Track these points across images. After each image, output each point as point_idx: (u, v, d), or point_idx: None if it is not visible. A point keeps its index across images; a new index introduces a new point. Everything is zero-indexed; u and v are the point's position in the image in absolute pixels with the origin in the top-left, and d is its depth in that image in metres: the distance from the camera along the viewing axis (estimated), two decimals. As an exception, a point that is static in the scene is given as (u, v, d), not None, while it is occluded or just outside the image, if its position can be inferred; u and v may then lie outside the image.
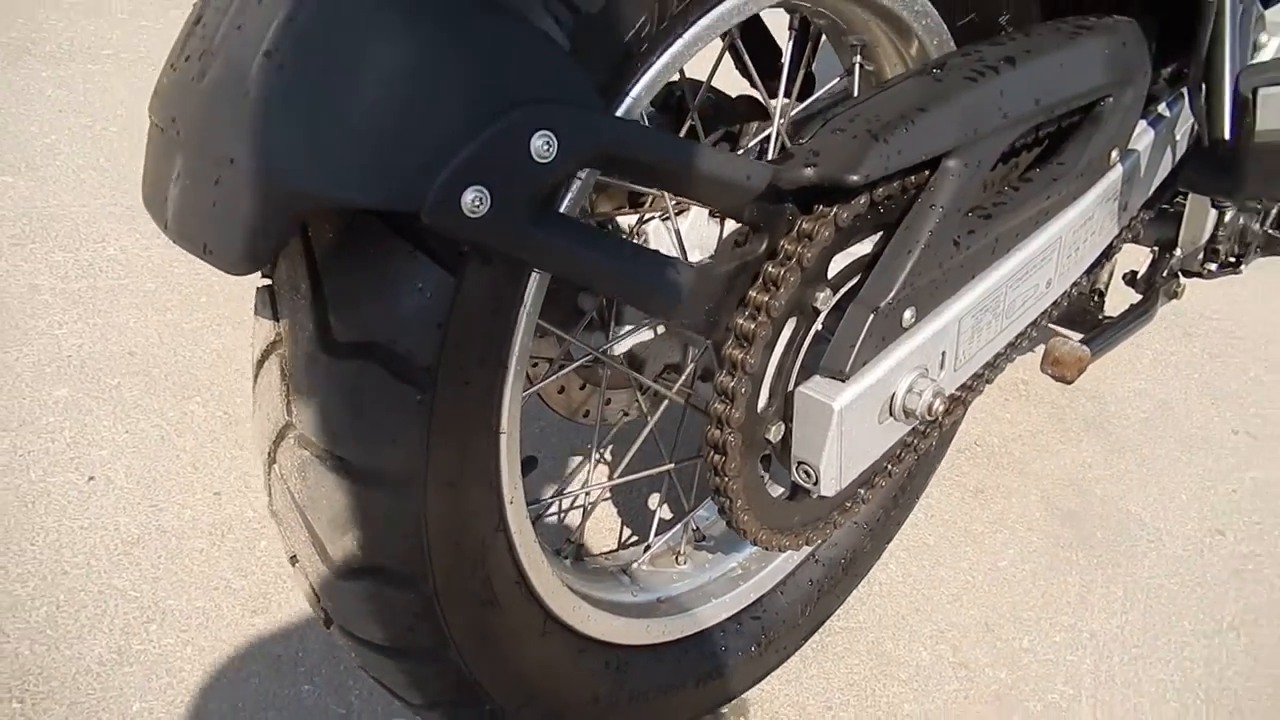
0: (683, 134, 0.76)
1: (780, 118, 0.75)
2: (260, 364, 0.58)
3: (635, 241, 0.72)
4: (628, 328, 0.76)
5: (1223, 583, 1.22)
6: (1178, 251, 1.13)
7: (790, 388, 0.67)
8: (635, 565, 0.86)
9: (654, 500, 1.10)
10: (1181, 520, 1.30)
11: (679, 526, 0.90)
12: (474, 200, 0.45)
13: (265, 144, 0.44)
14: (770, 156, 0.75)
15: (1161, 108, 0.94)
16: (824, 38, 0.83)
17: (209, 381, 1.19)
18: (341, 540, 0.55)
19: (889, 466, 0.80)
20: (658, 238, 0.73)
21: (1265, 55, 0.95)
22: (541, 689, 0.71)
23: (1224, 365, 1.64)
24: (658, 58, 0.57)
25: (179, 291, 1.32)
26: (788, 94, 0.76)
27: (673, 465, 0.85)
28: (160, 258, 1.38)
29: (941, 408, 0.70)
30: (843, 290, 0.68)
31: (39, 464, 1.05)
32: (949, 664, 1.04)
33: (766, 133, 0.78)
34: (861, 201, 0.64)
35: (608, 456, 1.14)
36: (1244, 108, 0.77)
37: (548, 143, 0.46)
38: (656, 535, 0.89)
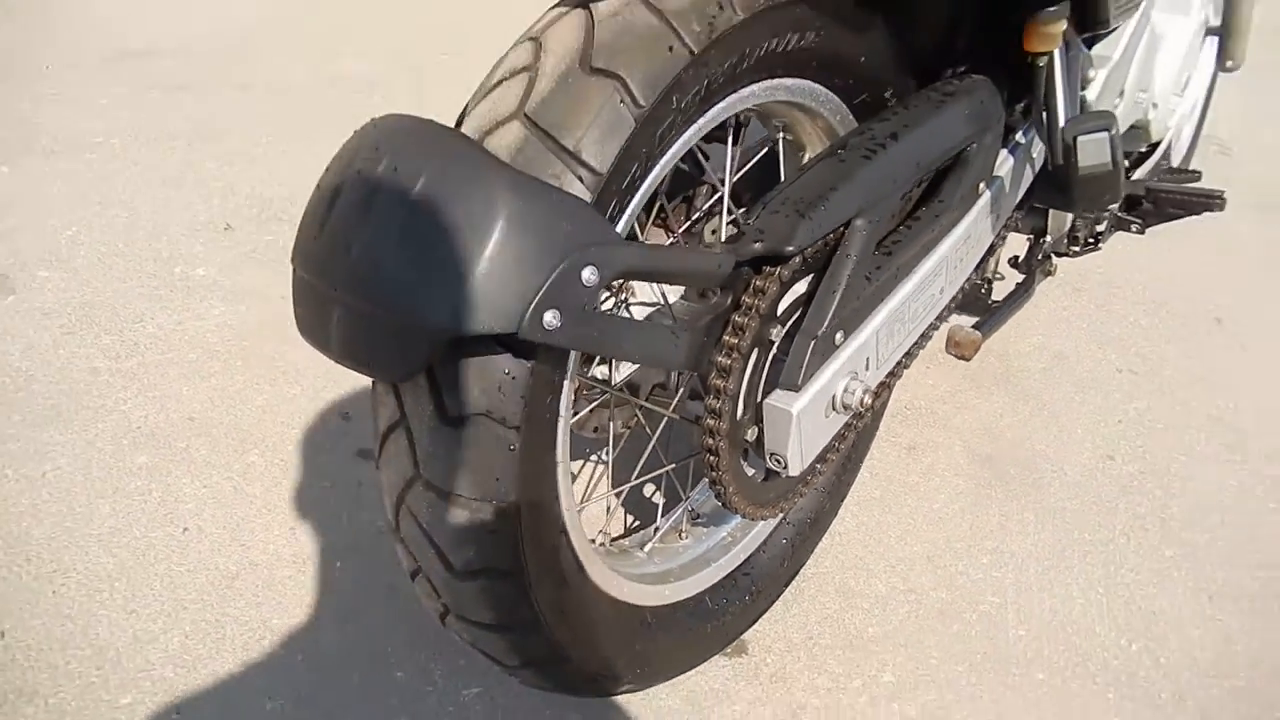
0: (654, 212, 0.98)
1: (729, 196, 0.97)
2: (386, 435, 0.78)
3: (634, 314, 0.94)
4: (629, 367, 0.98)
5: (1114, 499, 1.47)
6: (1048, 238, 1.38)
7: (759, 400, 0.90)
8: (649, 545, 1.08)
9: (656, 494, 1.32)
10: (1078, 451, 1.56)
11: (679, 510, 1.13)
12: (551, 318, 0.66)
13: (411, 298, 0.65)
14: (722, 231, 0.98)
15: (1019, 136, 1.18)
16: (753, 120, 1.05)
17: (261, 435, 1.38)
18: (462, 552, 0.77)
19: (837, 445, 1.02)
20: (642, 288, 0.96)
21: (1094, 88, 1.20)
22: (599, 643, 0.93)
23: (1108, 314, 1.91)
24: (646, 180, 0.79)
25: (218, 359, 1.51)
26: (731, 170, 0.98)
27: (672, 465, 1.08)
28: (194, 330, 1.56)
29: (870, 400, 0.94)
30: (789, 324, 0.91)
31: (139, 522, 1.24)
32: (900, 591, 1.28)
33: (716, 199, 1.00)
34: (797, 260, 0.87)
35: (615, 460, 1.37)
36: (1069, 149, 1.01)
37: (593, 272, 0.68)
38: (662, 519, 1.12)
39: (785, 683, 1.15)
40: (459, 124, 0.77)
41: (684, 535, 1.12)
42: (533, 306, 0.66)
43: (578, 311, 0.68)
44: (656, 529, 1.11)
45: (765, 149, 1.06)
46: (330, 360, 0.72)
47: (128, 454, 1.33)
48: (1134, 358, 1.80)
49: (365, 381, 1.47)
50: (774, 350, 0.90)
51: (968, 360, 1.22)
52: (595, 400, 0.99)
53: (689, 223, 1.06)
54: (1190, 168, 1.57)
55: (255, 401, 1.44)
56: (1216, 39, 1.63)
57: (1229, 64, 1.66)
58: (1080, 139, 1.00)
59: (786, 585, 1.20)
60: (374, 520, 1.28)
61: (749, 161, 1.06)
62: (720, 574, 1.11)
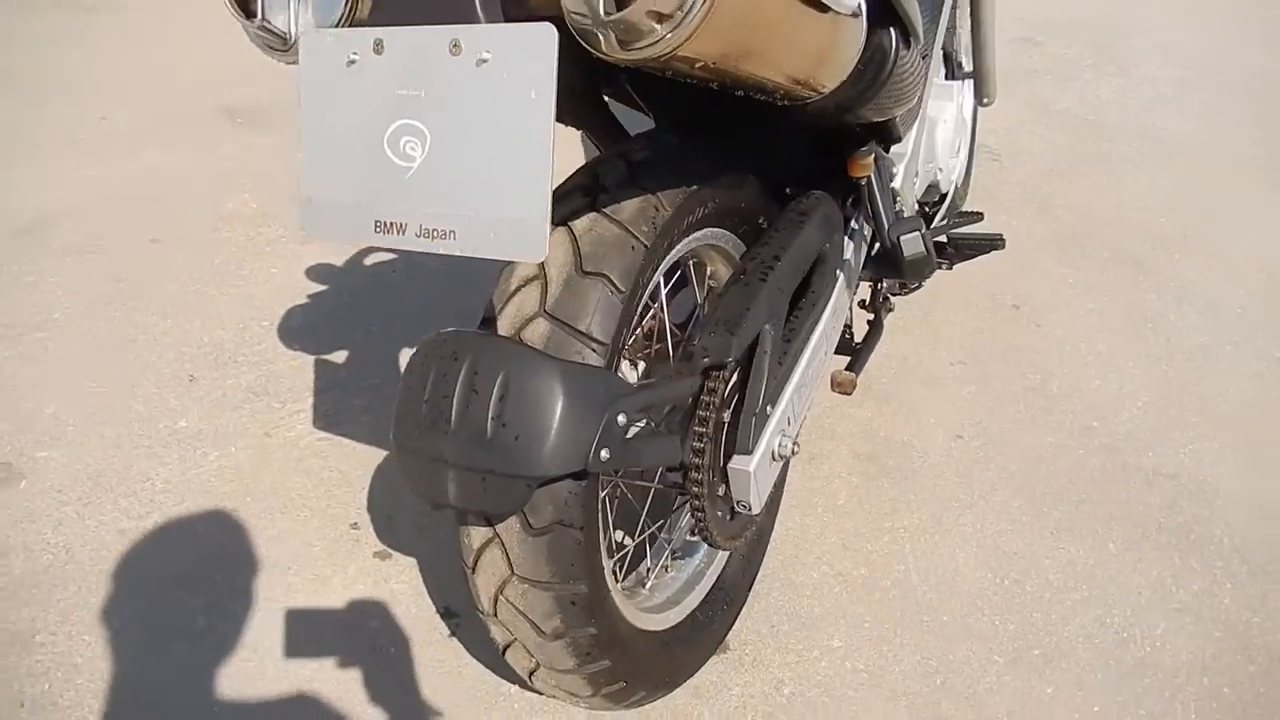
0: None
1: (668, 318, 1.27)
2: (481, 550, 1.03)
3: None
4: None
5: (969, 469, 1.84)
6: (884, 284, 1.73)
7: (724, 465, 1.19)
8: (649, 582, 1.36)
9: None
10: (934, 436, 1.93)
11: (666, 552, 1.41)
12: (604, 454, 0.94)
13: (512, 460, 0.91)
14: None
15: (854, 226, 1.52)
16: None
17: (288, 558, 1.58)
18: (550, 621, 1.03)
19: (780, 483, 1.33)
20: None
21: (898, 178, 1.55)
22: (643, 667, 1.21)
23: (933, 318, 2.30)
24: (630, 334, 1.07)
25: (227, 499, 1.69)
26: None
27: (661, 522, 1.36)
28: (197, 478, 1.73)
29: (796, 446, 1.25)
30: (731, 408, 1.21)
31: (211, 660, 1.43)
32: (830, 576, 1.61)
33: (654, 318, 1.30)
34: (732, 363, 1.16)
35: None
36: (895, 245, 1.36)
37: (624, 416, 0.96)
38: (652, 560, 1.40)
39: (763, 665, 1.45)
40: (490, 319, 1.03)
41: (669, 569, 1.41)
42: (593, 450, 0.93)
43: (619, 445, 0.96)
44: (648, 569, 1.39)
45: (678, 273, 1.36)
46: (416, 497, 0.97)
47: (177, 597, 1.51)
48: (960, 350, 2.20)
49: (364, 496, 1.69)
50: (725, 428, 1.20)
51: (849, 395, 1.56)
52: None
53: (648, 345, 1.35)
54: (972, 209, 1.97)
55: (270, 531, 1.63)
56: (972, 81, 2.04)
57: (985, 101, 2.08)
58: (902, 238, 1.34)
59: (749, 590, 1.50)
60: (409, 612, 1.51)
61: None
62: (703, 593, 1.40)
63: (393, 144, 0.84)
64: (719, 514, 1.21)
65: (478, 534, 1.04)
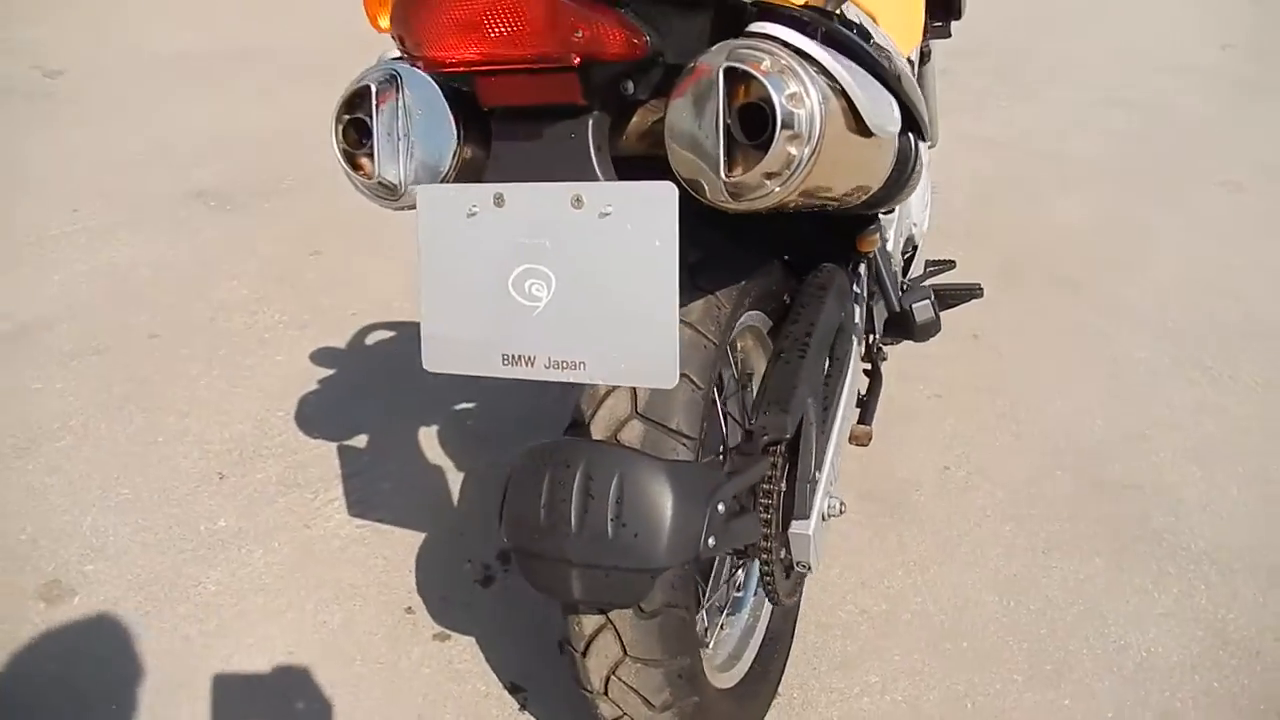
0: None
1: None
2: (594, 635, 1.11)
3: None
4: None
5: (960, 498, 1.98)
6: (875, 338, 1.86)
7: (786, 530, 1.29)
8: (711, 641, 1.46)
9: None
10: (925, 471, 2.06)
11: (722, 614, 1.51)
12: (711, 542, 1.03)
13: (632, 557, 0.99)
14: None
15: (862, 290, 1.64)
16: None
17: (356, 649, 1.63)
18: (660, 695, 1.12)
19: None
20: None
21: (889, 242, 1.68)
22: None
23: (904, 352, 2.44)
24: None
25: (281, 595, 1.73)
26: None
27: (709, 585, 1.46)
28: (247, 577, 1.76)
29: (843, 506, 1.36)
30: (785, 477, 1.31)
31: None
32: (856, 614, 1.72)
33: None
34: (789, 435, 1.27)
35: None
36: (906, 312, 1.48)
37: (721, 505, 1.05)
38: (709, 621, 1.49)
39: (813, 707, 1.55)
40: (581, 423, 1.11)
41: (724, 627, 1.50)
42: (702, 539, 1.02)
43: (720, 531, 1.05)
44: (706, 629, 1.48)
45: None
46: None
47: (255, 699, 1.55)
48: (933, 384, 2.34)
49: (413, 579, 1.73)
50: (782, 497, 1.30)
51: (865, 447, 1.68)
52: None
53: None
54: (945, 258, 2.11)
55: (331, 623, 1.68)
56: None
57: (931, 145, 2.23)
58: (914, 306, 1.46)
59: (792, 634, 1.61)
60: (478, 690, 1.57)
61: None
62: (758, 644, 1.50)
63: (517, 286, 0.92)
64: (783, 576, 1.31)
65: (590, 621, 1.12)
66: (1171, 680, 1.59)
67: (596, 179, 0.92)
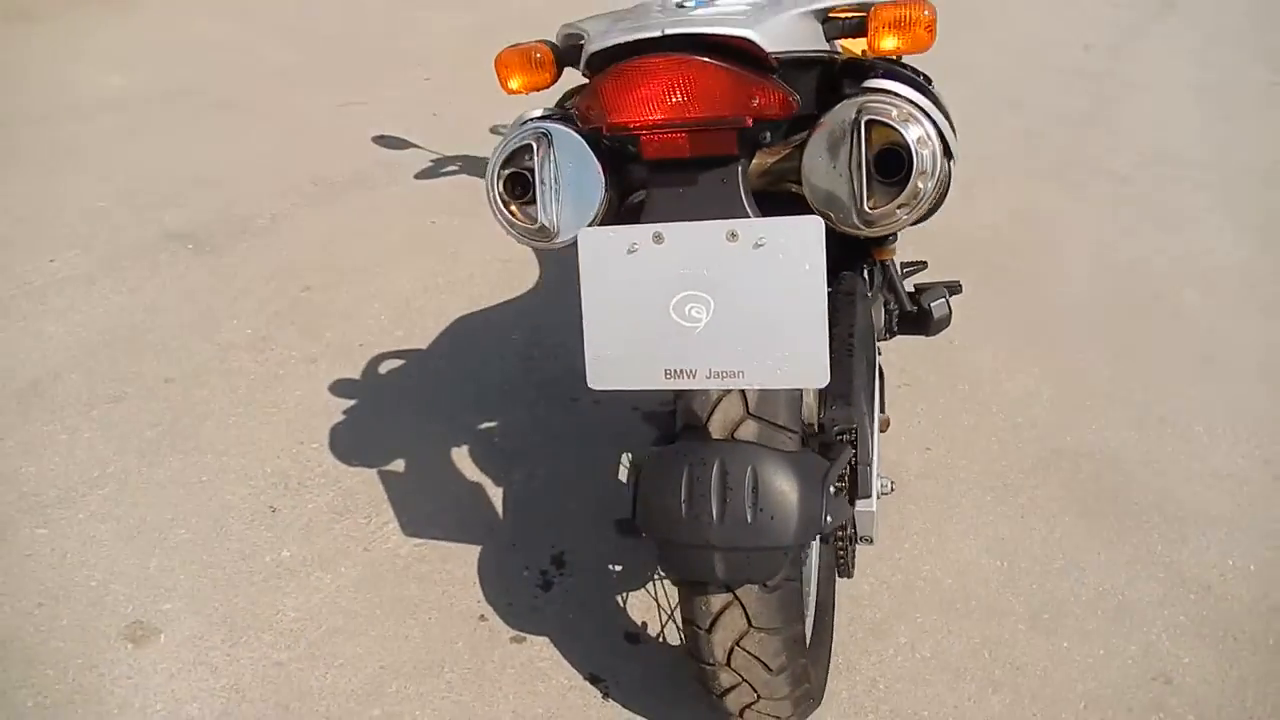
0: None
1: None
2: (721, 611, 1.24)
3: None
4: None
5: (944, 475, 2.20)
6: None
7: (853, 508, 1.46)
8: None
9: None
10: (910, 452, 2.27)
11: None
12: (829, 519, 1.18)
13: (770, 538, 1.14)
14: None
15: (877, 294, 1.83)
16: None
17: (453, 658, 1.75)
18: (777, 659, 1.27)
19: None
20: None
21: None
22: (815, 680, 1.46)
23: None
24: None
25: (358, 618, 1.82)
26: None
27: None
28: (321, 603, 1.85)
29: (893, 485, 1.55)
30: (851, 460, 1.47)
31: (411, 753, 1.58)
32: (878, 585, 1.91)
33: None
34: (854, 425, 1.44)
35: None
36: (925, 310, 1.68)
37: (834, 486, 1.22)
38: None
39: (855, 670, 1.74)
40: (695, 426, 1.23)
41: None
42: (824, 515, 1.19)
43: (833, 509, 1.21)
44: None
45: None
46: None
47: (362, 715, 1.65)
48: (902, 374, 2.57)
49: (478, 590, 1.85)
50: (849, 479, 1.47)
51: (885, 433, 1.87)
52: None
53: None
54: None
55: (414, 637, 1.78)
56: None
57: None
58: (933, 304, 1.66)
59: (834, 605, 1.79)
60: (561, 684, 1.70)
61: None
62: (812, 613, 1.65)
63: (678, 310, 1.07)
64: (853, 550, 1.49)
65: (717, 600, 1.22)
66: (1148, 616, 1.84)
67: (747, 215, 1.08)
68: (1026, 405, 2.45)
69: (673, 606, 1.78)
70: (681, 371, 1.08)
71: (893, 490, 1.54)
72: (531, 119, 1.16)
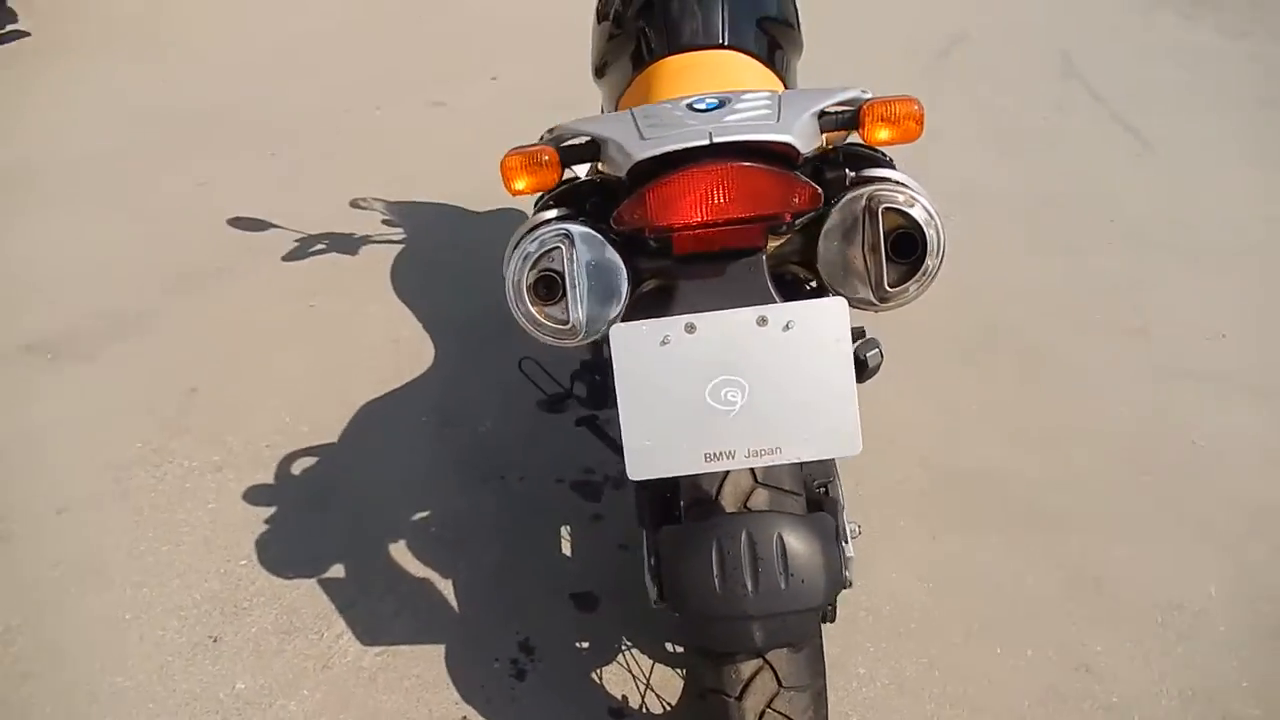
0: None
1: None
2: (752, 677, 1.24)
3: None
4: None
5: (864, 503, 2.33)
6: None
7: None
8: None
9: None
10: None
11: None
12: (848, 575, 1.27)
13: (805, 600, 1.16)
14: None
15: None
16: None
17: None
18: (807, 715, 1.30)
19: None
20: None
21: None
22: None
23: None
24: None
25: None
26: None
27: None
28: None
29: (860, 529, 1.63)
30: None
31: None
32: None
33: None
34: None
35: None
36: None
37: (846, 540, 1.30)
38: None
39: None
40: (706, 500, 1.24)
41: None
42: (844, 571, 1.26)
43: (849, 565, 1.29)
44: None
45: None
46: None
47: None
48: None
49: (452, 693, 1.81)
50: None
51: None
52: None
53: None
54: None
55: None
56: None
57: None
58: (868, 355, 1.74)
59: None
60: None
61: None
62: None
63: (714, 395, 1.12)
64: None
65: (747, 667, 1.23)
66: (1060, 611, 2.02)
67: (774, 301, 1.16)
68: (922, 431, 2.61)
69: (648, 676, 1.82)
70: (720, 454, 1.12)
71: (861, 533, 1.63)
72: (545, 221, 1.17)
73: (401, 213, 3.64)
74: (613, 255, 1.16)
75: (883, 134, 1.17)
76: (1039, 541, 2.21)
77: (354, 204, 3.68)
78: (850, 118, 1.20)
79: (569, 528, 2.22)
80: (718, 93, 1.21)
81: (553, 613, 1.99)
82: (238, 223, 3.41)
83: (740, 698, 1.25)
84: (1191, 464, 2.38)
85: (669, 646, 1.88)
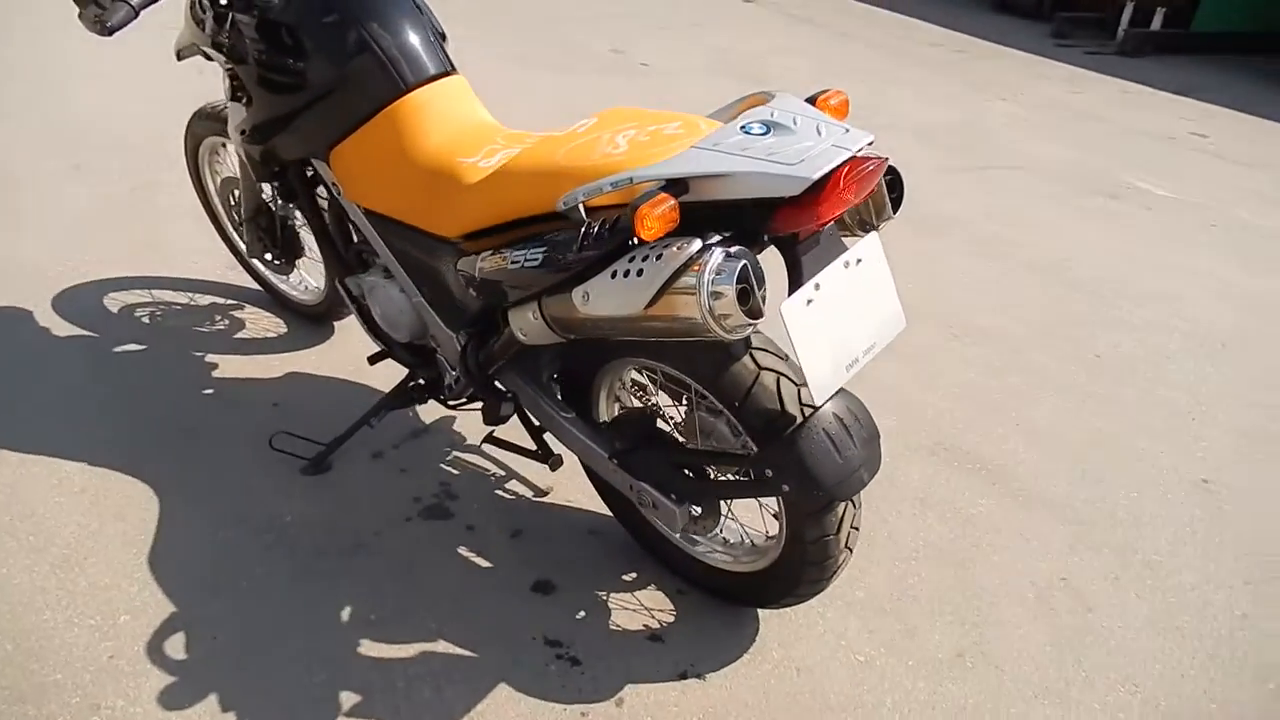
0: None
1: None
2: (840, 520, 1.46)
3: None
4: None
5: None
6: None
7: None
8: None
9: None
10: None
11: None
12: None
13: (878, 448, 1.42)
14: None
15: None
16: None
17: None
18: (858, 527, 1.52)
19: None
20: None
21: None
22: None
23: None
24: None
25: None
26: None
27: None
28: None
29: None
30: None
31: None
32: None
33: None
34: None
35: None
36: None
37: None
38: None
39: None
40: (780, 407, 1.39)
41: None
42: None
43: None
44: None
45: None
46: None
47: None
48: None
49: None
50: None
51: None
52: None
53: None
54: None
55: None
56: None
57: None
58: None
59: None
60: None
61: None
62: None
63: (843, 323, 1.34)
64: None
65: (841, 506, 1.46)
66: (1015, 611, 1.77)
67: (846, 249, 1.37)
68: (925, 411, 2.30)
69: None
70: (850, 363, 1.34)
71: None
72: (712, 244, 1.26)
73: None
74: (756, 257, 1.28)
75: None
76: (1038, 528, 1.94)
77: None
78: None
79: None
80: (761, 118, 1.34)
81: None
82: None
83: (838, 532, 1.47)
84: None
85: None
